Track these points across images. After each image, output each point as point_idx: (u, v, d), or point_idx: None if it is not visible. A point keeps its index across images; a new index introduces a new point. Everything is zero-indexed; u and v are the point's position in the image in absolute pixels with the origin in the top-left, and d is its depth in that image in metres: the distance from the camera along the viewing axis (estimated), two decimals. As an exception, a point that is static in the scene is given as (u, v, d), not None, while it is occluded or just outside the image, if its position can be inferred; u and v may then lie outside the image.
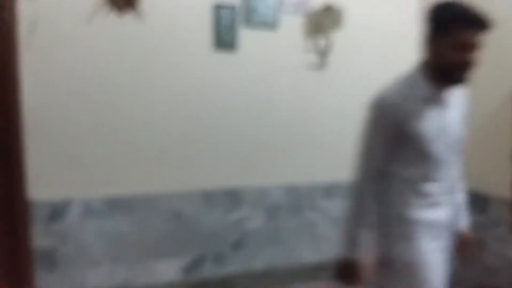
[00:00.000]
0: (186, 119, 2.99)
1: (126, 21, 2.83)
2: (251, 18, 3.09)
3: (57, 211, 2.79)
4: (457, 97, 1.76)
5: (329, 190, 3.37)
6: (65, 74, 2.74)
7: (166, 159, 2.97)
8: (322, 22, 3.23)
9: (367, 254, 1.73)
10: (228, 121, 3.09)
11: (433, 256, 1.73)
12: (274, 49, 3.17)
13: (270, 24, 3.14)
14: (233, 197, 3.14)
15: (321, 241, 3.40)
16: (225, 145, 3.10)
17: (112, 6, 2.81)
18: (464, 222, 1.92)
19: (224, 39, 3.04)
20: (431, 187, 1.70)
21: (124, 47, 2.84)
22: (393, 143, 1.66)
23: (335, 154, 3.32)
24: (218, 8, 3.00)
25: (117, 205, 2.89)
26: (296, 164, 3.28)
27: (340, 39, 3.31)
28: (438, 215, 1.74)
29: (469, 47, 1.55)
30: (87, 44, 2.76)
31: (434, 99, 1.67)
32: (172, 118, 2.96)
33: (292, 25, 3.19)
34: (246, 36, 3.09)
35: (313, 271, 3.38)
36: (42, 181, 2.74)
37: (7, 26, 2.63)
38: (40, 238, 2.77)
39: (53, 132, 2.74)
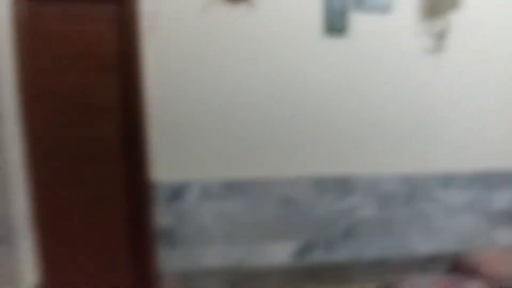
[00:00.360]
0: (300, 106, 3.01)
1: (239, 11, 2.91)
2: (363, 2, 3.01)
3: (177, 192, 2.96)
4: None
5: (446, 181, 3.18)
6: (185, 62, 2.89)
7: (280, 145, 3.02)
8: (439, 3, 3.04)
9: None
10: (341, 107, 3.05)
11: None
12: (387, 34, 3.06)
13: (383, 7, 3.04)
14: (344, 184, 3.10)
15: (436, 233, 3.23)
16: (338, 131, 3.07)
17: (228, -3, 2.90)
18: None
19: (335, 25, 3.00)
20: None
21: (238, 36, 2.93)
22: None
23: (453, 143, 3.13)
24: (330, -8, 2.97)
25: (233, 188, 2.99)
26: (411, 152, 3.14)
27: (459, 21, 3.10)
28: None
29: None
30: (204, 34, 2.89)
31: None
32: (286, 105, 3.00)
33: (407, 8, 3.05)
34: (358, 21, 3.02)
35: (427, 263, 3.22)
36: (164, 164, 2.93)
37: (131, 19, 2.84)
38: (161, 217, 2.97)
39: (174, 118, 2.92)
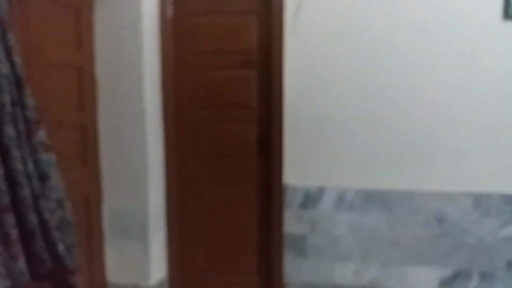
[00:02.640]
0: (461, 106, 2.50)
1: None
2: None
3: (310, 198, 2.71)
4: None
5: None
6: (326, 59, 2.60)
7: (432, 153, 2.56)
8: None
9: None
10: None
11: None
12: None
13: None
14: (513, 205, 2.52)
15: None
16: (508, 141, 2.49)
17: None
18: None
19: (517, 6, 2.41)
20: None
21: (395, 22, 2.52)
22: None
23: None
24: (512, -33, 2.38)
25: (373, 199, 2.64)
26: None
27: None
28: None
29: None
30: (351, 24, 2.56)
31: None
32: (442, 106, 2.52)
33: None
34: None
35: None
36: (298, 168, 2.70)
37: (276, 9, 2.63)
38: (291, 223, 2.75)
39: (311, 119, 2.65)
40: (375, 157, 2.63)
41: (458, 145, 2.53)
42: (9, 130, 1.33)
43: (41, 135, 1.49)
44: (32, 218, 1.41)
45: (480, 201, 2.55)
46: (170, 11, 2.74)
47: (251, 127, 2.80)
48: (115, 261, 2.72)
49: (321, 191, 2.69)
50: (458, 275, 2.62)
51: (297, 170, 2.70)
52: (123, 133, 2.61)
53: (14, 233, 1.34)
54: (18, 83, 1.37)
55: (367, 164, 2.64)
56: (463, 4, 2.45)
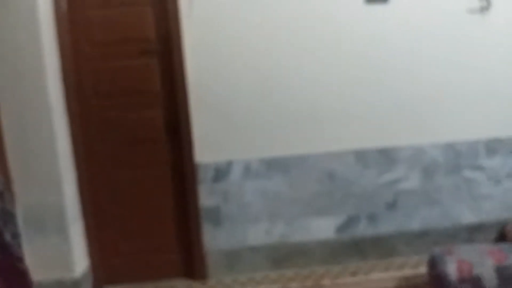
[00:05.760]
0: (339, 78, 2.96)
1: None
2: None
3: (220, 172, 2.98)
4: None
5: (491, 148, 3.10)
6: (224, 38, 2.86)
7: (319, 119, 2.99)
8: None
9: None
10: (382, 77, 2.98)
11: None
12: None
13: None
14: (387, 157, 3.06)
15: (481, 201, 3.17)
16: (378, 102, 3.01)
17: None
18: None
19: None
20: None
21: (278, 5, 2.86)
22: None
23: (499, 108, 3.03)
24: (366, -42, 2.86)
25: (274, 165, 2.99)
26: (454, 120, 3.07)
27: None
28: None
29: None
30: (242, 8, 2.84)
31: None
32: (326, 77, 2.95)
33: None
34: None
35: (472, 233, 3.18)
36: (207, 145, 2.94)
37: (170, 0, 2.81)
38: (206, 197, 3.00)
39: (215, 99, 2.91)
40: (273, 129, 2.98)
41: (337, 110, 2.98)
42: None
43: None
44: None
45: (360, 156, 3.04)
46: (64, 5, 2.76)
47: (158, 112, 2.96)
48: (34, 258, 2.70)
49: (229, 164, 2.97)
50: (350, 220, 3.11)
51: (206, 148, 2.94)
52: (29, 128, 2.62)
53: None
54: None
55: (266, 136, 2.98)
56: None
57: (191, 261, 3.07)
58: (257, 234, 3.07)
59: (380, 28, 2.95)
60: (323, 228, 3.09)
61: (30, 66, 2.55)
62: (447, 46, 2.99)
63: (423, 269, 2.67)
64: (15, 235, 1.64)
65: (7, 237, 1.59)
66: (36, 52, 2.54)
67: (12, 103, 2.58)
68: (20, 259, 1.63)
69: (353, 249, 3.12)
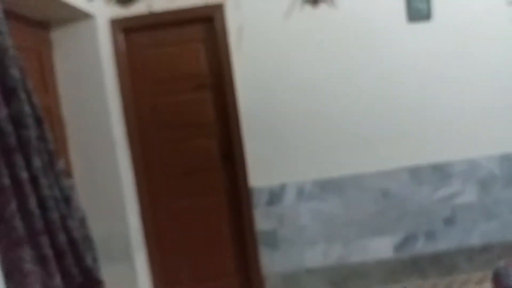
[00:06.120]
0: (388, 97, 3.00)
1: (321, 10, 2.95)
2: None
3: (274, 196, 3.05)
4: None
5: (549, 157, 3.03)
6: (272, 69, 2.98)
7: (371, 139, 3.02)
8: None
9: None
10: (429, 93, 3.00)
11: None
12: (472, 9, 2.97)
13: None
14: (441, 172, 3.04)
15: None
16: (429, 119, 3.02)
17: (307, -1, 2.95)
18: None
19: (418, 9, 2.96)
20: None
21: (322, 34, 2.96)
22: None
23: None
24: (407, -21, 2.93)
25: (327, 187, 3.04)
26: (507, 131, 3.03)
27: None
28: None
29: None
30: (288, 39, 2.96)
31: None
32: (374, 98, 2.99)
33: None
34: (440, 2, 2.95)
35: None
36: (260, 171, 3.03)
37: (220, 34, 2.97)
38: (261, 221, 3.06)
39: (266, 127, 3.01)
40: (324, 150, 3.04)
41: (387, 129, 3.01)
42: (36, 162, 1.53)
43: (61, 164, 1.69)
44: (62, 237, 1.60)
45: (414, 173, 3.04)
46: (122, 46, 2.97)
47: (213, 142, 3.09)
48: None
49: (283, 187, 3.04)
50: (408, 239, 3.09)
51: (259, 173, 3.03)
52: (95, 164, 2.79)
53: (49, 252, 1.53)
54: (38, 121, 1.57)
55: (318, 158, 3.04)
56: (371, 12, 2.95)
57: (250, 285, 3.13)
58: (314, 256, 3.10)
59: (423, 45, 2.98)
60: (380, 248, 3.09)
61: (95, 106, 2.74)
62: (496, 59, 2.98)
63: (487, 286, 2.60)
64: (95, 260, 1.77)
65: (89, 261, 1.72)
66: (100, 92, 2.73)
67: (79, 141, 2.76)
68: (100, 283, 1.75)
69: (413, 267, 3.09)
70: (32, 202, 1.48)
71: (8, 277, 1.46)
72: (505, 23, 2.98)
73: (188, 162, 3.09)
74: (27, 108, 1.50)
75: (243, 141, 3.01)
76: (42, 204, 1.52)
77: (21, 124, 1.48)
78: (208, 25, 2.98)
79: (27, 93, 1.52)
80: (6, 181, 1.43)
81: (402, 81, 3.01)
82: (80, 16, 2.64)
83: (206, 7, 2.94)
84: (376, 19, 2.99)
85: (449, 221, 3.08)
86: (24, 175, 1.47)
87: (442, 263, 3.09)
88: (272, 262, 3.10)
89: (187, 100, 3.04)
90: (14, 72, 1.47)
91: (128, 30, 2.96)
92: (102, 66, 2.76)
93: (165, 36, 3.02)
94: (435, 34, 3.00)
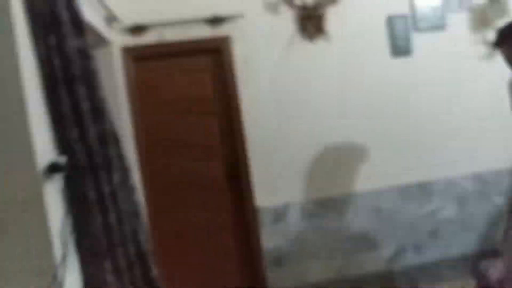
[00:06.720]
0: (378, 123, 3.34)
1: (317, 45, 3.27)
2: (421, 23, 3.38)
3: (279, 215, 3.24)
4: None
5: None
6: (274, 97, 3.23)
7: (364, 161, 3.32)
8: (488, 14, 3.41)
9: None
10: (412, 119, 3.38)
11: None
12: (445, 47, 3.41)
13: (439, 26, 3.41)
14: (425, 190, 3.39)
15: None
16: (411, 143, 3.38)
17: (304, 34, 3.26)
18: None
19: (399, 46, 3.36)
20: None
21: (319, 65, 3.27)
22: None
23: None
24: (391, 19, 3.34)
25: (327, 205, 3.28)
26: (480, 152, 3.45)
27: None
28: None
29: None
30: (288, 69, 3.24)
31: None
32: (366, 124, 3.32)
33: (459, 22, 3.43)
34: (419, 40, 3.37)
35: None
36: (265, 191, 3.21)
37: (227, 64, 3.18)
38: (267, 239, 3.23)
39: (270, 149, 3.22)
40: (324, 172, 3.29)
41: (377, 151, 3.34)
42: (116, 177, 1.63)
43: (134, 180, 1.79)
44: (132, 250, 1.69)
45: (401, 191, 3.37)
46: (133, 73, 3.09)
47: (219, 163, 3.25)
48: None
49: (287, 207, 3.24)
50: (398, 251, 3.38)
51: (264, 193, 3.21)
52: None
53: (123, 264, 1.61)
54: (117, 139, 1.68)
55: (318, 179, 3.28)
56: (359, 46, 3.31)
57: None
58: (317, 270, 3.29)
59: (405, 76, 3.38)
60: (375, 261, 3.34)
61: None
62: (467, 88, 3.43)
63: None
64: (156, 273, 1.87)
65: (154, 273, 1.81)
66: (116, 119, 2.81)
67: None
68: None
69: (404, 277, 3.36)
70: (112, 216, 1.58)
71: None
72: (474, 60, 3.45)
73: (195, 183, 3.21)
74: (108, 127, 1.61)
75: (248, 163, 3.19)
76: (119, 218, 1.62)
77: (105, 142, 1.59)
78: (216, 56, 3.19)
79: (109, 113, 1.64)
80: (93, 196, 1.52)
81: (388, 109, 3.36)
82: (99, 42, 2.74)
83: (214, 39, 3.15)
84: (364, 53, 3.34)
85: (433, 234, 3.41)
86: (106, 190, 1.57)
87: (429, 272, 3.39)
88: (277, 279, 3.25)
89: (195, 123, 3.19)
90: (101, 94, 1.59)
91: (139, 58, 3.09)
92: (117, 92, 2.86)
93: (174, 64, 3.18)
94: (415, 67, 3.40)
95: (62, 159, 1.57)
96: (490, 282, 2.55)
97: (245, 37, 3.18)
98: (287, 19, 3.23)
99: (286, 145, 3.25)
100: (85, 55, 1.57)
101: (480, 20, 3.45)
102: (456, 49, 3.44)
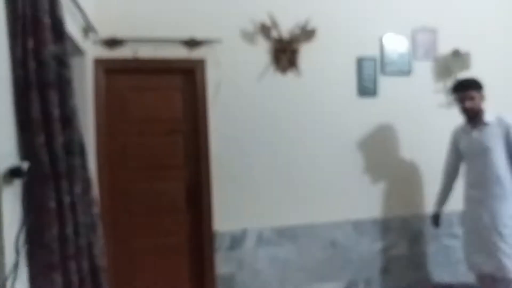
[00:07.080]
0: (338, 157, 3.44)
1: (288, 78, 3.37)
2: (388, 67, 3.57)
3: (236, 241, 3.24)
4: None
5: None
6: (243, 122, 3.28)
7: (322, 192, 3.41)
8: (451, 66, 3.64)
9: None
10: (373, 157, 3.51)
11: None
12: (408, 92, 3.60)
13: (405, 71, 3.61)
14: (380, 226, 3.50)
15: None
16: (371, 179, 3.50)
17: (278, 67, 3.36)
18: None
19: (366, 87, 3.52)
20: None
21: (288, 98, 3.37)
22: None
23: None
24: (361, 61, 3.50)
25: (284, 234, 3.31)
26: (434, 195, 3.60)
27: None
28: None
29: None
30: (258, 98, 3.32)
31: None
32: (327, 157, 3.42)
33: (423, 70, 3.64)
34: (385, 83, 3.55)
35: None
36: (224, 215, 3.22)
37: (199, 86, 3.22)
38: (222, 265, 3.22)
39: (233, 173, 3.25)
40: (283, 201, 3.34)
41: (336, 186, 3.43)
42: (77, 188, 1.60)
43: (94, 192, 1.75)
44: (85, 264, 1.64)
45: (357, 226, 3.46)
46: (103, 86, 3.07)
47: (180, 185, 3.23)
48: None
49: (244, 233, 3.25)
50: (349, 285, 3.44)
51: (223, 218, 3.22)
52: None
53: (75, 279, 1.57)
54: (82, 150, 1.66)
55: (277, 207, 3.33)
56: (328, 84, 3.44)
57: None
58: (268, 301, 3.29)
59: (369, 115, 3.53)
60: (327, 292, 3.38)
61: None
62: (426, 132, 3.61)
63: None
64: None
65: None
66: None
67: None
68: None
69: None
70: (69, 228, 1.55)
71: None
72: (433, 107, 3.65)
73: (154, 203, 3.17)
74: (76, 137, 1.60)
75: (210, 186, 3.20)
76: (75, 230, 1.59)
77: (71, 151, 1.57)
78: (189, 77, 3.23)
79: (78, 123, 1.62)
80: (52, 204, 1.49)
81: (351, 144, 3.49)
82: (74, 51, 2.72)
83: (189, 61, 3.19)
84: (332, 90, 3.47)
85: (384, 270, 3.50)
86: (67, 200, 1.54)
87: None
88: (227, 306, 3.22)
89: (159, 142, 3.18)
90: (73, 103, 1.58)
91: (111, 71, 3.08)
92: (86, 103, 2.83)
93: (146, 81, 3.19)
94: (379, 106, 3.56)
95: (24, 164, 1.53)
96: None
97: (219, 62, 3.24)
98: (262, 50, 3.32)
99: (249, 171, 3.29)
100: (62, 63, 1.56)
101: (443, 70, 3.68)
102: (418, 94, 3.63)
